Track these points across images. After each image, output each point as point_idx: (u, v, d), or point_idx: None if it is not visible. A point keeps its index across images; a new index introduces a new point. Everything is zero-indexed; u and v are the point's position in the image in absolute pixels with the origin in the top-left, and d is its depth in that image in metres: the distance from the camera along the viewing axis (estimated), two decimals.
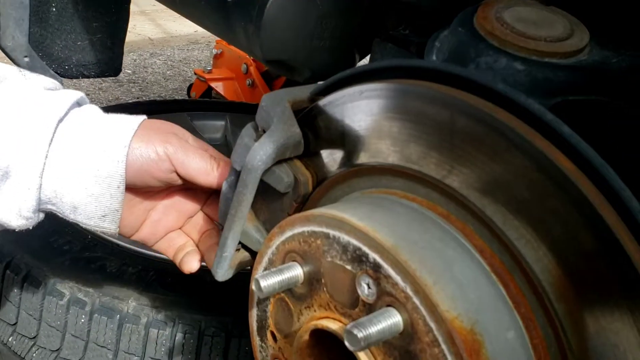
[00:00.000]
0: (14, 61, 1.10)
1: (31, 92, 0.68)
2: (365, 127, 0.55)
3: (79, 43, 1.12)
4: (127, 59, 3.93)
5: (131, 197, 0.73)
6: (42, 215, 0.71)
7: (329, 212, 0.52)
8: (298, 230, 0.54)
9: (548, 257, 0.44)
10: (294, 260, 0.56)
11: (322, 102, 0.59)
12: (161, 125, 0.73)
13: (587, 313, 0.43)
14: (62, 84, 1.22)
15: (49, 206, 0.69)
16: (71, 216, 0.70)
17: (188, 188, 0.77)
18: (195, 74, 3.15)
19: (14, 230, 0.72)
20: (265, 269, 0.60)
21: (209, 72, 3.09)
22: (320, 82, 0.63)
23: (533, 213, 0.44)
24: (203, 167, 0.70)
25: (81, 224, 0.72)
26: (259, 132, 0.63)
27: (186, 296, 1.04)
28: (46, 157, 0.66)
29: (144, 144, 0.69)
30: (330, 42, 1.20)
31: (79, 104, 0.71)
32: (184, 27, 5.02)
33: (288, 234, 0.56)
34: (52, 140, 0.66)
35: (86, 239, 1.16)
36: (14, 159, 0.65)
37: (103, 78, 3.53)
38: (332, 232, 0.51)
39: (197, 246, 0.79)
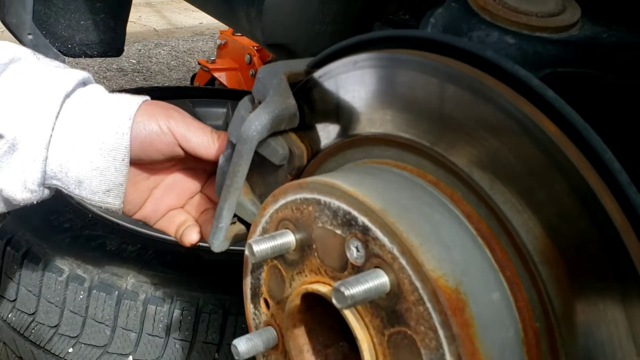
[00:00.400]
0: (18, 38, 1.12)
1: (41, 70, 0.70)
2: (358, 98, 0.56)
3: (82, 22, 1.14)
4: (132, 49, 3.95)
5: (135, 174, 0.74)
6: (47, 192, 0.72)
7: (321, 179, 0.53)
8: (291, 198, 0.56)
9: (533, 221, 0.45)
10: (286, 228, 0.57)
11: (317, 74, 0.60)
12: (163, 104, 0.75)
13: (570, 275, 0.44)
14: (65, 62, 1.24)
15: (54, 181, 0.71)
16: (76, 191, 0.72)
17: (189, 168, 0.79)
18: (198, 64, 3.17)
19: (16, 208, 0.73)
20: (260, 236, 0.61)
21: (213, 62, 3.10)
22: (317, 55, 0.64)
23: (518, 177, 0.45)
24: (204, 140, 0.72)
25: (86, 200, 0.73)
26: (255, 104, 0.64)
27: (185, 274, 1.06)
28: (53, 129, 0.68)
29: (147, 117, 0.71)
30: (332, 27, 1.21)
31: (84, 83, 0.73)
32: (189, 18, 5.03)
33: (281, 202, 0.57)
34: (58, 114, 0.68)
35: (87, 218, 1.17)
36: (22, 132, 0.67)
37: (108, 67, 3.54)
38: (323, 198, 0.52)
39: (197, 221, 0.81)
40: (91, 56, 1.20)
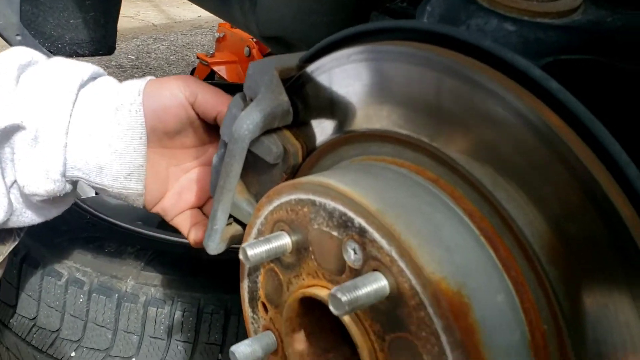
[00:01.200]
0: (6, 40, 1.10)
1: (57, 65, 0.74)
2: (353, 93, 0.54)
3: (71, 21, 1.11)
4: (131, 45, 3.93)
5: (155, 161, 0.75)
6: (69, 186, 0.75)
7: (315, 179, 0.51)
8: (285, 198, 0.53)
9: (537, 218, 0.43)
10: (282, 230, 0.55)
11: (310, 68, 0.58)
12: (168, 77, 0.77)
13: (578, 274, 0.41)
14: None
15: (76, 172, 0.73)
16: (97, 179, 0.74)
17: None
18: (197, 58, 3.14)
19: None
20: (255, 240, 0.59)
21: (212, 56, 3.08)
22: (310, 49, 0.62)
23: (522, 173, 0.43)
24: (218, 100, 0.73)
25: (108, 189, 0.75)
26: (247, 102, 0.62)
27: (185, 275, 1.04)
28: (70, 115, 0.71)
29: (157, 86, 0.74)
30: (329, 17, 1.18)
31: (96, 76, 0.76)
32: (188, 12, 5.00)
33: (276, 203, 0.55)
34: (75, 102, 0.72)
35: (85, 219, 1.16)
36: (42, 123, 0.70)
37: (107, 64, 3.52)
38: (318, 199, 0.50)
39: None
40: (82, 55, 1.18)
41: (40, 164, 0.71)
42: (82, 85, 0.73)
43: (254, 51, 2.92)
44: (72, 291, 1.03)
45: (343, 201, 0.47)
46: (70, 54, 1.17)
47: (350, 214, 0.47)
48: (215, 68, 2.99)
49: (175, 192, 0.79)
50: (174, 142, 0.76)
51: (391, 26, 0.52)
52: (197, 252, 1.08)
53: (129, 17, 4.48)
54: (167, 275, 1.03)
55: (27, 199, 0.75)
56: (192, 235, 0.78)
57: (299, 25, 1.18)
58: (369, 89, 0.53)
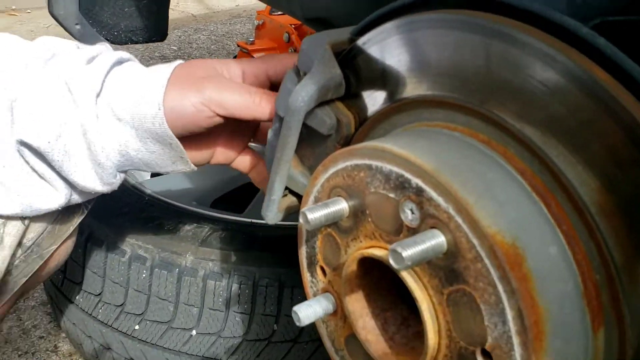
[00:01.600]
0: (66, 29, 1.16)
1: (73, 69, 0.72)
2: (404, 62, 0.56)
3: (126, 9, 1.17)
4: (172, 36, 4.00)
5: (192, 140, 0.77)
6: (122, 176, 0.78)
7: (371, 144, 0.53)
8: (341, 165, 0.56)
9: (588, 172, 0.44)
10: (339, 195, 0.58)
11: (361, 40, 0.61)
12: (191, 71, 0.74)
13: (629, 225, 0.43)
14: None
15: (130, 167, 0.77)
16: (147, 169, 0.77)
17: (233, 129, 0.82)
18: (238, 46, 3.19)
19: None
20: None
21: (252, 43, 3.11)
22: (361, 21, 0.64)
23: (571, 130, 0.44)
24: (242, 102, 0.72)
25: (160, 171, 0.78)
26: (301, 76, 0.65)
27: (240, 250, 1.08)
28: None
29: (178, 98, 0.71)
30: None
31: (120, 62, 0.75)
32: (226, 1, 5.06)
33: (332, 170, 0.58)
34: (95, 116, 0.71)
35: (143, 200, 1.22)
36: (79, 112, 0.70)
37: (150, 55, 3.60)
38: (374, 163, 0.52)
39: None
40: (137, 42, 1.23)
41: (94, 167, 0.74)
42: (98, 95, 0.72)
43: (293, 37, 2.94)
44: (135, 267, 1.09)
45: (399, 163, 0.50)
46: (125, 41, 1.23)
47: (407, 174, 0.49)
48: (256, 55, 3.03)
49: (221, 151, 0.82)
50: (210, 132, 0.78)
51: None
52: (251, 229, 1.12)
53: (170, 8, 4.55)
54: (223, 251, 1.08)
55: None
56: (254, 176, 0.83)
57: (343, 4, 1.19)
58: (420, 57, 0.55)
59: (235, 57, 3.26)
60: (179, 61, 0.77)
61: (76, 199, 0.78)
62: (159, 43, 3.86)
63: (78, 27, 1.13)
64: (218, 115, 0.73)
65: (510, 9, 0.48)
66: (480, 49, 0.49)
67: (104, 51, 0.76)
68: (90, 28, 1.16)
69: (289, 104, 0.62)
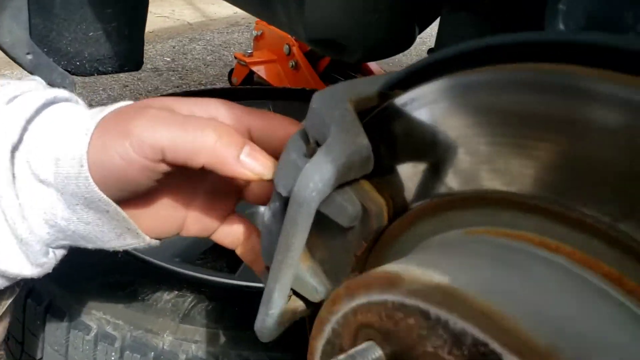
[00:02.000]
0: (15, 60, 0.94)
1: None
2: (475, 136, 0.37)
3: (91, 34, 0.94)
4: (166, 46, 3.81)
5: (146, 204, 0.57)
6: (58, 253, 0.58)
7: (427, 277, 0.33)
8: (376, 297, 0.36)
9: None
10: (370, 339, 0.38)
11: (401, 99, 0.41)
12: (128, 109, 0.53)
13: None
14: (73, 83, 1.07)
15: (64, 242, 0.56)
16: (90, 245, 0.56)
17: (213, 191, 0.61)
18: (235, 58, 2.99)
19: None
20: (329, 342, 0.42)
21: (250, 55, 2.92)
22: (393, 72, 0.44)
23: None
24: (192, 140, 0.50)
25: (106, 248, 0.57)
26: (311, 145, 0.45)
27: (231, 328, 0.88)
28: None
29: (102, 150, 0.51)
30: (388, 15, 1.01)
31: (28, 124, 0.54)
32: (224, 8, 4.87)
33: (361, 300, 0.38)
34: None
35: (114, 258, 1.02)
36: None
37: (142, 67, 3.41)
38: (434, 311, 0.32)
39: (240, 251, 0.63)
40: (105, 72, 1.02)
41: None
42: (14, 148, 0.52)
43: (294, 49, 2.76)
44: (103, 348, 0.88)
45: (480, 323, 0.30)
46: (91, 72, 1.01)
47: (494, 345, 0.29)
48: (254, 68, 2.84)
49: (197, 209, 0.61)
50: (153, 193, 0.57)
51: (530, 39, 0.35)
52: (244, 296, 0.92)
53: (164, 16, 4.38)
54: (209, 329, 0.88)
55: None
56: (244, 254, 0.61)
57: (353, 25, 1.00)
58: (499, 131, 0.35)
59: (232, 70, 3.06)
60: (124, 102, 0.55)
61: None
62: (151, 54, 3.66)
63: (30, 57, 0.92)
64: (162, 161, 0.51)
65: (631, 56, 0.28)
66: (618, 137, 0.29)
67: (33, 89, 0.56)
68: (45, 58, 0.94)
69: (296, 192, 0.42)
